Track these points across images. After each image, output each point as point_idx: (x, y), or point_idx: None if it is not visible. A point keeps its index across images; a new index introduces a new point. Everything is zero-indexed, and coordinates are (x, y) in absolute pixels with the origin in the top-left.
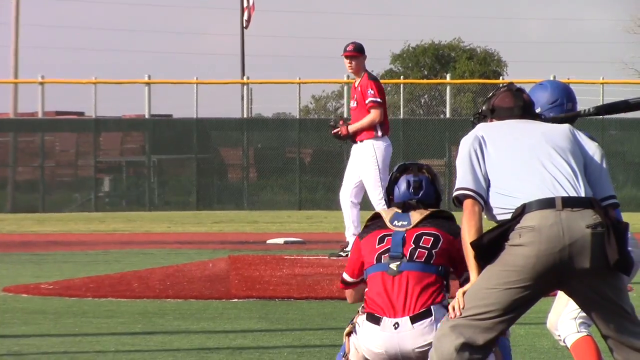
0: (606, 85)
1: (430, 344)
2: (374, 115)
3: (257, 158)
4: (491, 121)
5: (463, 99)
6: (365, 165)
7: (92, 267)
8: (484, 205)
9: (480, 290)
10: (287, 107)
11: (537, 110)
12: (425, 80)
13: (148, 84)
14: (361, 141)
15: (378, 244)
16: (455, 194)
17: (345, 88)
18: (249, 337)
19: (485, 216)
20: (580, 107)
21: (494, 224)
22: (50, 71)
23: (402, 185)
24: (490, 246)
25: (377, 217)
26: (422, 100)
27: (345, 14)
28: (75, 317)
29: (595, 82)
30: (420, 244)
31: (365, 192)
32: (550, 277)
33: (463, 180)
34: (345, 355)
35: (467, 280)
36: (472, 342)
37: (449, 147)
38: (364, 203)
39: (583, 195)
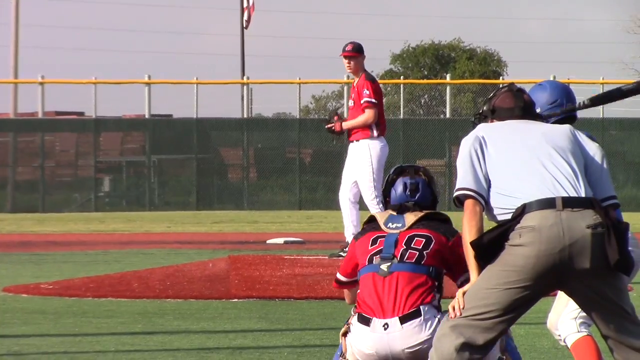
0: (606, 85)
1: (420, 343)
2: (367, 115)
3: (257, 158)
4: (492, 121)
5: (463, 99)
6: (360, 165)
7: (92, 267)
8: (485, 205)
9: (480, 290)
10: (287, 107)
11: (537, 111)
12: (425, 80)
13: (148, 84)
14: (357, 141)
15: (371, 246)
16: (456, 194)
17: (345, 88)
18: (249, 337)
19: (486, 216)
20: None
21: (495, 224)
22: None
23: (398, 188)
24: (490, 246)
25: (372, 219)
26: (422, 100)
27: (345, 14)
28: (75, 317)
29: (595, 82)
30: (412, 246)
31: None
32: (550, 278)
33: (464, 180)
34: (343, 354)
35: (466, 282)
36: (472, 342)
37: (449, 147)
38: (363, 203)
39: (583, 195)
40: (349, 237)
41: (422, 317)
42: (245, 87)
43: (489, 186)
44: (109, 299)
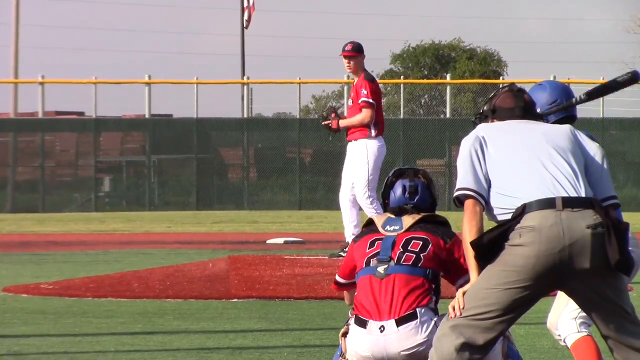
0: None
1: (416, 346)
2: (364, 114)
3: (257, 158)
4: (492, 121)
5: (463, 99)
6: (356, 164)
7: (92, 267)
8: (485, 205)
9: (480, 290)
10: (287, 107)
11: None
12: (425, 80)
13: (148, 84)
14: (355, 140)
15: (368, 248)
16: (456, 194)
17: (345, 88)
18: (249, 337)
19: (486, 216)
20: (580, 107)
21: (495, 224)
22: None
23: (397, 190)
24: (490, 246)
25: (371, 222)
26: (422, 100)
27: (345, 14)
28: (75, 317)
29: (595, 82)
30: (409, 248)
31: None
32: (550, 278)
33: (464, 180)
34: (343, 355)
35: (465, 284)
36: (472, 342)
37: (449, 147)
38: None
39: (583, 195)
40: (348, 237)
41: (418, 319)
42: (245, 87)
43: (489, 186)
44: (109, 299)
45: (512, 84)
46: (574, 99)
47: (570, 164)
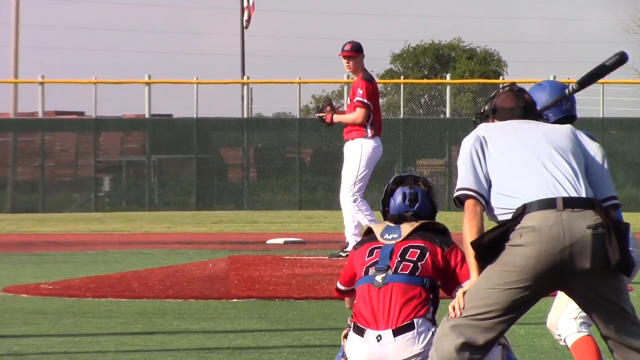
0: (606, 85)
1: (413, 356)
2: (357, 114)
3: (257, 158)
4: (493, 121)
5: (463, 99)
6: (349, 162)
7: (92, 267)
8: (485, 205)
9: (480, 290)
10: (287, 107)
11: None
12: (425, 80)
13: (148, 84)
14: (352, 140)
15: (367, 257)
16: (456, 194)
17: (345, 88)
18: (249, 337)
19: (486, 216)
20: (580, 106)
21: (495, 224)
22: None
23: (397, 198)
24: (491, 246)
25: (371, 230)
26: (422, 100)
27: (345, 14)
28: (75, 317)
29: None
30: (406, 257)
31: (364, 191)
32: (550, 278)
33: (464, 180)
34: (344, 356)
35: None
36: (472, 342)
37: (449, 147)
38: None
39: (584, 195)
40: (349, 237)
41: (415, 330)
42: (245, 87)
43: (490, 186)
44: (109, 299)
45: (512, 84)
46: (566, 91)
47: (570, 164)
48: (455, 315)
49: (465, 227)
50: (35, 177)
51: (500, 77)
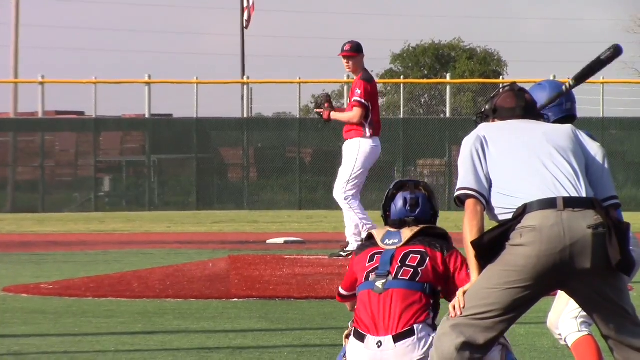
0: (606, 85)
1: None
2: (353, 113)
3: (257, 158)
4: (493, 121)
5: (463, 99)
6: (346, 160)
7: (92, 267)
8: (486, 205)
9: (480, 289)
10: (287, 107)
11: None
12: (425, 80)
13: (148, 84)
14: (350, 139)
15: (368, 262)
16: (457, 194)
17: (345, 88)
18: (249, 337)
19: (487, 216)
20: (580, 106)
21: (496, 224)
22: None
23: (398, 203)
24: (491, 246)
25: (372, 236)
26: (422, 100)
27: (345, 14)
28: (75, 317)
29: (595, 82)
30: (407, 262)
31: (363, 190)
32: (550, 278)
33: (465, 180)
34: (346, 356)
35: None
36: (472, 342)
37: (449, 147)
38: (364, 202)
39: (584, 195)
40: (349, 237)
41: (415, 336)
42: (245, 86)
43: (490, 186)
44: (109, 299)
45: (513, 84)
46: (563, 87)
47: (571, 164)
48: (456, 315)
49: (465, 227)
50: (35, 177)
51: (500, 77)
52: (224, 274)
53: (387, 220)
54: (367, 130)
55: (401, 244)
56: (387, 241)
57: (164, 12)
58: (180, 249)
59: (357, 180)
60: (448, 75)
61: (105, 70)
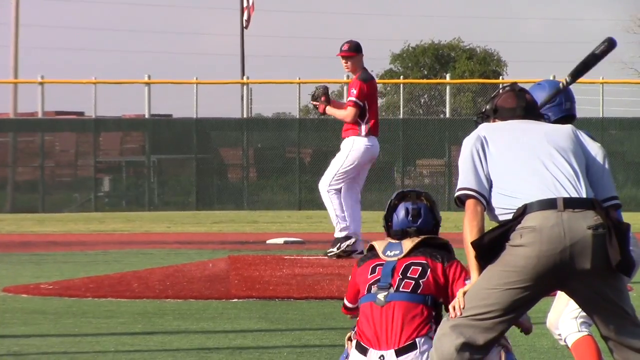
0: (606, 85)
1: None
2: (347, 112)
3: (257, 158)
4: (494, 121)
5: (463, 99)
6: (338, 155)
7: (91, 267)
8: (486, 205)
9: (480, 290)
10: (287, 107)
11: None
12: (425, 80)
13: (148, 84)
14: (347, 137)
15: (370, 274)
16: (457, 194)
17: (345, 88)
18: (249, 337)
19: (487, 216)
20: (580, 106)
21: (496, 224)
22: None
23: (400, 213)
24: (491, 246)
25: (373, 247)
26: (422, 100)
27: (345, 14)
28: (75, 317)
29: (595, 81)
30: (408, 274)
31: (363, 190)
32: (550, 278)
33: (465, 180)
34: (347, 358)
35: None
36: (472, 342)
37: (449, 147)
38: (364, 202)
39: (584, 196)
40: (335, 224)
41: (418, 350)
42: (245, 87)
43: (491, 186)
44: (108, 299)
45: (513, 84)
46: (560, 84)
47: (571, 164)
48: (456, 315)
49: (465, 227)
50: (35, 177)
51: (500, 77)
52: (224, 274)
53: (389, 230)
54: (363, 129)
55: (402, 255)
56: (388, 252)
57: (164, 12)
58: (180, 249)
59: (344, 176)
60: (448, 76)
61: (105, 70)
